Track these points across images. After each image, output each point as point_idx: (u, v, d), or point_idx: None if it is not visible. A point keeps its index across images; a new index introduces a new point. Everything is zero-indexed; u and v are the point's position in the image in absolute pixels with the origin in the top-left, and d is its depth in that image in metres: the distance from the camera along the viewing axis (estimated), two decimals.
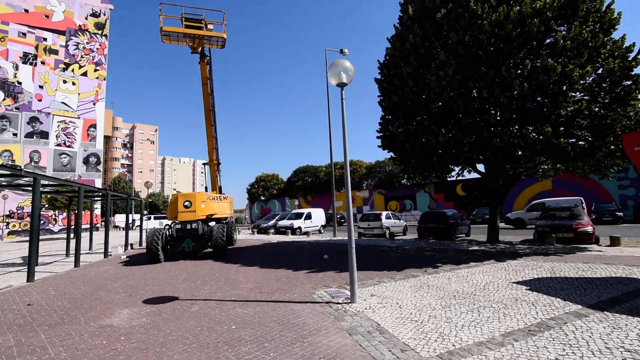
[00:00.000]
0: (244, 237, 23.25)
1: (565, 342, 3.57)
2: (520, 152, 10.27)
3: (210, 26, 15.29)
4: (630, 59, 9.79)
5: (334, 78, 5.96)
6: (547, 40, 10.07)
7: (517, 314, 4.60)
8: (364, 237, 19.54)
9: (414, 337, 3.93)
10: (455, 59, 9.92)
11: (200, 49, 15.50)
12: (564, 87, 9.46)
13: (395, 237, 18.93)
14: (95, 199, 19.44)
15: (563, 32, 9.60)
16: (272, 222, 27.67)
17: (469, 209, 32.89)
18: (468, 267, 8.34)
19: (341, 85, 5.98)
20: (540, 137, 9.48)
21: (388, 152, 13.50)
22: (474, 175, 14.85)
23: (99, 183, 40.88)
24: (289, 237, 21.06)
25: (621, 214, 25.40)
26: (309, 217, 25.77)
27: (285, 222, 25.25)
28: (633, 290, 5.49)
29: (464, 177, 16.41)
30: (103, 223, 45.49)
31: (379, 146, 13.64)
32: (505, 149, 10.32)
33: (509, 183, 13.38)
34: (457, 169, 14.57)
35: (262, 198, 60.87)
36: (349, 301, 5.60)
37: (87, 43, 40.89)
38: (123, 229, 42.81)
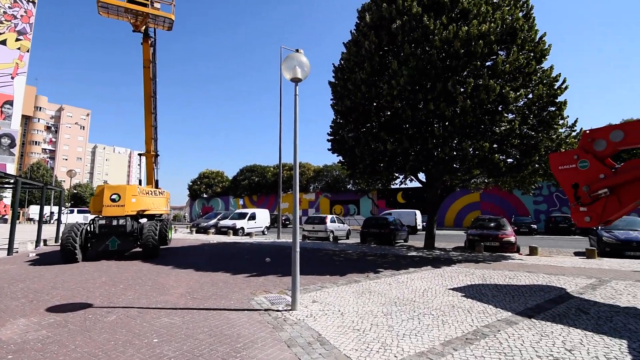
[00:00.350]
0: (181, 236, 21.73)
1: (500, 351, 3.65)
2: (459, 165, 10.86)
3: (157, 4, 14.04)
4: (556, 87, 10.93)
5: (288, 72, 5.65)
6: (488, 63, 10.84)
7: (455, 322, 4.67)
8: (308, 240, 19.39)
9: (356, 349, 3.74)
10: (407, 70, 10.20)
11: (143, 28, 14.14)
12: (500, 107, 10.23)
13: (339, 241, 19.08)
14: (5, 186, 16.67)
15: (502, 57, 10.38)
16: (213, 222, 26.28)
17: None
18: (407, 272, 8.53)
19: (295, 80, 5.68)
20: (477, 152, 10.12)
21: (337, 155, 13.50)
22: (415, 184, 15.52)
23: (11, 169, 35.52)
24: (231, 238, 20.11)
25: (535, 226, 28.61)
26: (252, 217, 24.95)
27: (227, 222, 24.12)
28: (553, 298, 5.96)
29: (405, 186, 17.12)
30: None
31: (329, 149, 13.59)
32: (446, 161, 10.85)
33: (444, 194, 14.16)
34: (401, 177, 15.11)
35: (205, 196, 57.97)
36: (290, 308, 5.29)
37: (10, 8, 35.53)
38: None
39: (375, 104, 11.62)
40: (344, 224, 21.78)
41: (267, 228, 26.61)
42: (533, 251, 12.37)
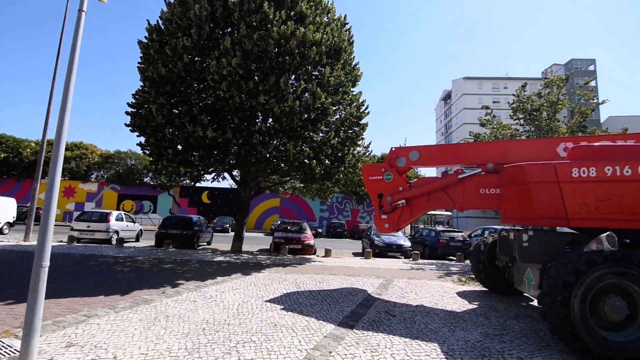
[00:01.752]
0: None
1: None
2: (280, 166, 10.56)
3: None
4: (361, 110, 12.50)
5: None
6: (315, 73, 11.20)
7: (281, 348, 3.78)
8: (78, 242, 14.48)
9: None
10: (241, 52, 9.04)
11: None
12: (323, 115, 10.66)
13: (126, 244, 15.23)
14: None
15: (329, 70, 10.92)
16: None
17: (210, 217, 32.81)
18: (216, 283, 7.19)
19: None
20: (299, 155, 10.09)
21: (138, 135, 10.56)
22: (225, 185, 14.38)
23: None
24: None
25: (321, 230, 33.20)
26: None
27: None
28: (362, 301, 6.13)
29: (212, 185, 15.71)
30: None
31: (128, 125, 10.46)
32: (268, 160, 10.32)
33: (253, 195, 13.77)
34: (213, 173, 13.59)
35: None
36: None
37: None
38: None
39: (198, 81, 9.77)
40: (134, 223, 17.80)
41: (11, 224, 18.45)
42: (328, 253, 13.61)
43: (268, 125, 9.86)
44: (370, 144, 13.32)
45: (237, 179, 13.64)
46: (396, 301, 6.28)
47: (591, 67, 63.45)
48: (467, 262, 13.91)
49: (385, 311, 5.53)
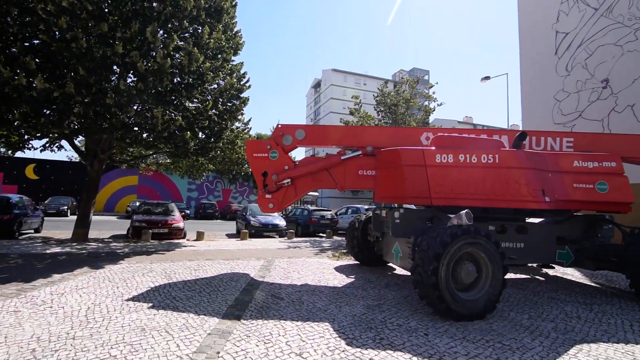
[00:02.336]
0: None
1: None
2: (145, 135, 8.81)
3: None
4: (242, 83, 11.61)
5: None
6: (192, 30, 9.70)
7: (154, 358, 3.05)
8: None
9: None
10: None
11: None
12: (200, 81, 9.37)
13: None
14: None
15: (208, 30, 9.60)
16: None
17: (40, 197, 25.75)
18: (50, 282, 5.50)
19: None
20: (169, 125, 8.64)
21: None
22: (61, 156, 11.32)
23: None
24: None
25: (189, 211, 30.56)
26: None
27: None
28: (246, 287, 5.69)
29: (43, 156, 12.12)
30: None
31: None
32: (129, 127, 8.45)
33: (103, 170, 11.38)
34: (45, 139, 10.41)
35: None
36: None
37: None
38: None
39: (18, 8, 7.04)
40: None
41: None
42: (200, 236, 12.48)
43: (129, 83, 7.99)
44: (250, 120, 12.62)
45: (81, 149, 10.85)
46: (281, 282, 6.11)
47: (426, 77, 77.48)
48: (336, 238, 15.11)
49: (272, 294, 5.28)
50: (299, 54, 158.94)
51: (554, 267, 8.45)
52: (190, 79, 8.99)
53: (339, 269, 7.49)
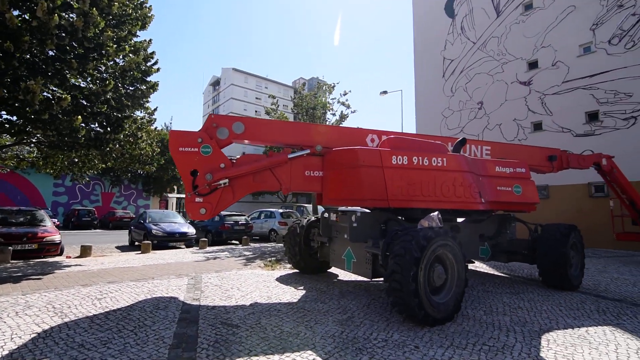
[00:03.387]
0: None
1: None
2: (15, 116, 6.36)
3: None
4: (149, 64, 9.71)
5: None
6: None
7: None
8: None
9: None
10: None
11: None
12: (96, 54, 7.36)
13: None
14: None
15: None
16: None
17: None
18: None
19: None
20: (52, 104, 6.47)
21: None
22: None
23: None
24: None
25: (56, 219, 24.68)
26: None
27: None
28: (183, 317, 4.45)
29: None
30: None
31: None
32: None
33: None
34: None
35: None
36: None
37: None
38: None
39: None
40: None
41: None
42: (86, 252, 9.87)
43: None
44: (156, 109, 10.62)
45: None
46: (224, 304, 5.05)
47: (335, 84, 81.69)
48: (254, 245, 14.06)
49: (222, 322, 4.25)
50: (196, 47, 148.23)
51: (473, 262, 9.40)
52: (88, 48, 6.90)
53: (282, 281, 6.72)
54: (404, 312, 4.32)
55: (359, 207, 6.18)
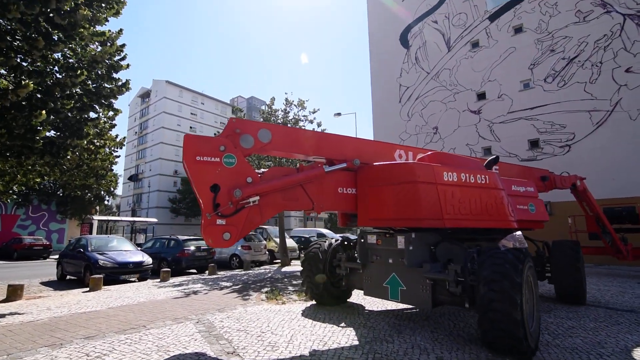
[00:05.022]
0: None
1: None
2: None
3: None
4: (117, 59, 8.09)
5: None
6: None
7: None
8: None
9: None
10: None
11: None
12: (67, 32, 5.75)
13: None
14: None
15: None
16: None
17: None
18: None
19: None
20: (8, 90, 4.74)
21: None
22: None
23: None
24: None
25: None
26: None
27: None
28: None
29: None
30: None
31: None
32: None
33: None
34: None
35: None
36: None
37: None
38: None
39: None
40: None
41: None
42: (15, 293, 7.39)
43: None
44: (118, 112, 8.75)
45: None
46: (278, 358, 3.93)
47: (263, 106, 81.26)
48: (222, 273, 12.37)
49: None
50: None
51: None
52: (54, 25, 5.29)
53: (312, 317, 5.70)
54: (507, 346, 3.79)
55: (401, 227, 5.58)
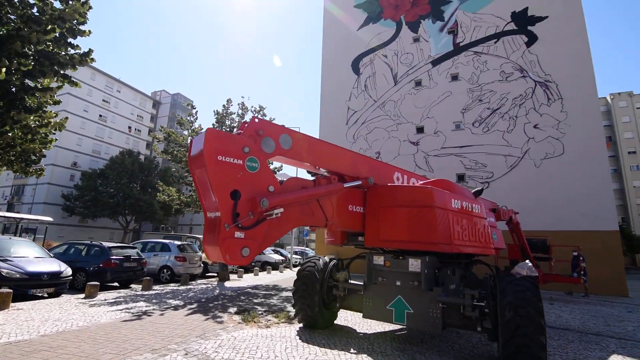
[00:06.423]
0: None
1: None
2: None
3: None
4: (79, 24, 6.69)
5: None
6: None
7: None
8: None
9: None
10: None
11: None
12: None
13: None
14: None
15: None
16: None
17: None
18: None
19: None
20: None
21: None
22: None
23: None
24: None
25: None
26: None
27: None
28: None
29: None
30: None
31: None
32: None
33: None
34: None
35: None
36: None
37: None
38: None
39: None
40: None
41: None
42: None
43: None
44: (78, 86, 7.11)
45: None
46: None
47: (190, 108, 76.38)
48: (161, 287, 10.78)
49: None
50: None
51: None
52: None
53: (312, 342, 5.27)
54: None
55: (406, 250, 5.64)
